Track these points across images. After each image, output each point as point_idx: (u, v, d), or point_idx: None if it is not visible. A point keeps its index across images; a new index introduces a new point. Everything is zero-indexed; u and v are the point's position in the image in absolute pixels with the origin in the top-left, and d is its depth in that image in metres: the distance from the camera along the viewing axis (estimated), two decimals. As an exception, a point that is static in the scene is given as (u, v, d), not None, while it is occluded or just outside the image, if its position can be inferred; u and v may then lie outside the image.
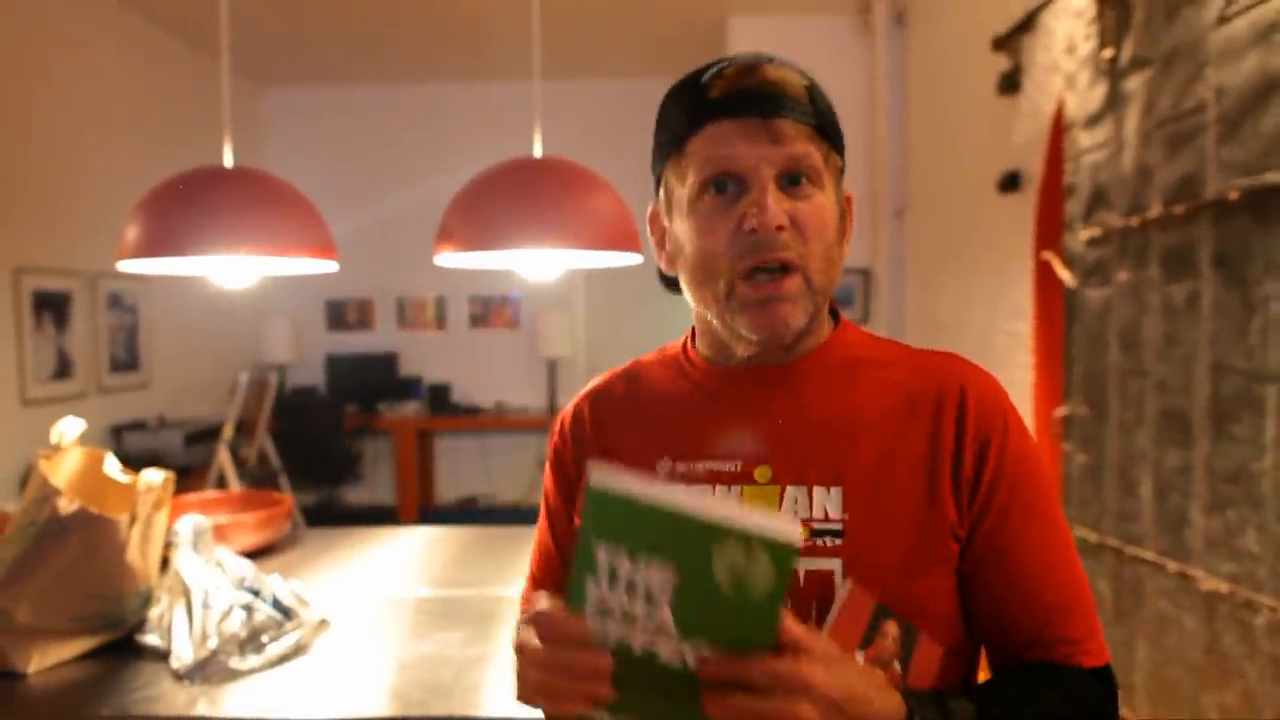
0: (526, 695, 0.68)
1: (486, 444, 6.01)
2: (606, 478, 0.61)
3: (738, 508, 0.63)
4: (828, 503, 0.78)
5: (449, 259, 1.75)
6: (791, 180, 0.78)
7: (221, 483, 4.08)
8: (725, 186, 0.78)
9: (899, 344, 0.90)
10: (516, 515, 5.89)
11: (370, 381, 5.83)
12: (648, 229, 0.91)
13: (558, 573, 0.95)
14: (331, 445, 5.27)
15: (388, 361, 5.92)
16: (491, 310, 6.03)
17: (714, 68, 0.81)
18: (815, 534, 0.78)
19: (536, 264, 1.85)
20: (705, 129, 0.79)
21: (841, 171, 0.85)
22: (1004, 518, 0.80)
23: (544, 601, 0.66)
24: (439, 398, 5.84)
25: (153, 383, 4.56)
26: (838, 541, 0.78)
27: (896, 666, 0.72)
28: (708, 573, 0.60)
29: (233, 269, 1.77)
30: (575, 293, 5.88)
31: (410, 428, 5.59)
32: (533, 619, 0.66)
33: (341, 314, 6.05)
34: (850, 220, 0.86)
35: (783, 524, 0.60)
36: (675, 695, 0.63)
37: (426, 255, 6.06)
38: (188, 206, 1.55)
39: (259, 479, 4.55)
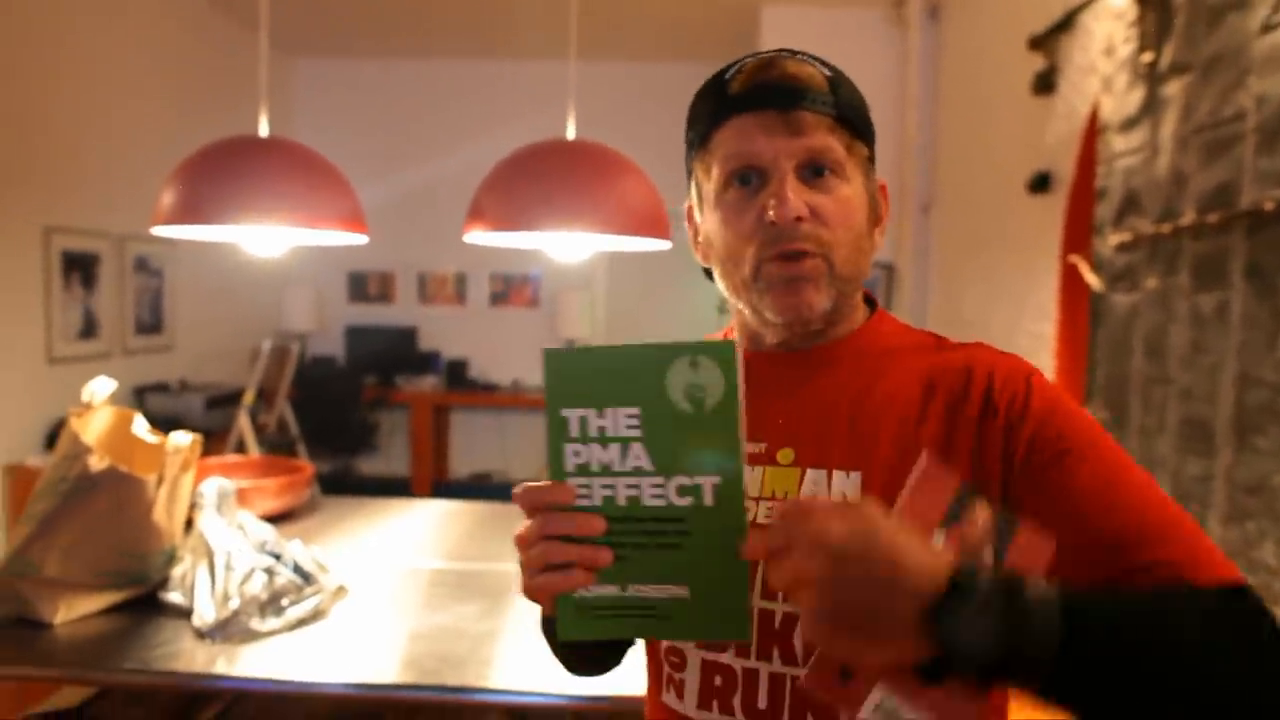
0: (529, 580, 0.68)
1: (502, 421, 6.04)
2: (558, 349, 0.66)
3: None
4: (846, 487, 0.78)
5: (479, 237, 1.76)
6: (815, 172, 0.79)
7: (241, 448, 4.13)
8: (748, 179, 0.80)
9: (933, 334, 0.89)
10: (528, 493, 5.91)
11: (389, 354, 5.87)
12: (685, 224, 0.93)
13: None
14: (349, 415, 5.32)
15: (407, 335, 5.96)
16: (512, 288, 6.05)
17: (736, 64, 0.83)
18: None
19: (565, 245, 1.86)
20: (727, 124, 0.81)
21: (871, 160, 0.85)
22: (1050, 458, 0.74)
23: (527, 483, 0.69)
24: (456, 373, 5.87)
25: (176, 346, 4.61)
26: None
27: (986, 557, 0.64)
28: (665, 399, 0.64)
29: (264, 238, 1.79)
30: (596, 274, 5.88)
31: (427, 401, 5.63)
32: (519, 494, 0.68)
33: (363, 286, 6.08)
34: (886, 209, 0.88)
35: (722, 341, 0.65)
36: (665, 541, 0.66)
37: (449, 231, 6.05)
38: (224, 175, 1.57)
39: (277, 445, 4.60)
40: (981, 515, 0.64)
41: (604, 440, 0.66)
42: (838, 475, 0.79)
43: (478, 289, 6.06)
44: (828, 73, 0.81)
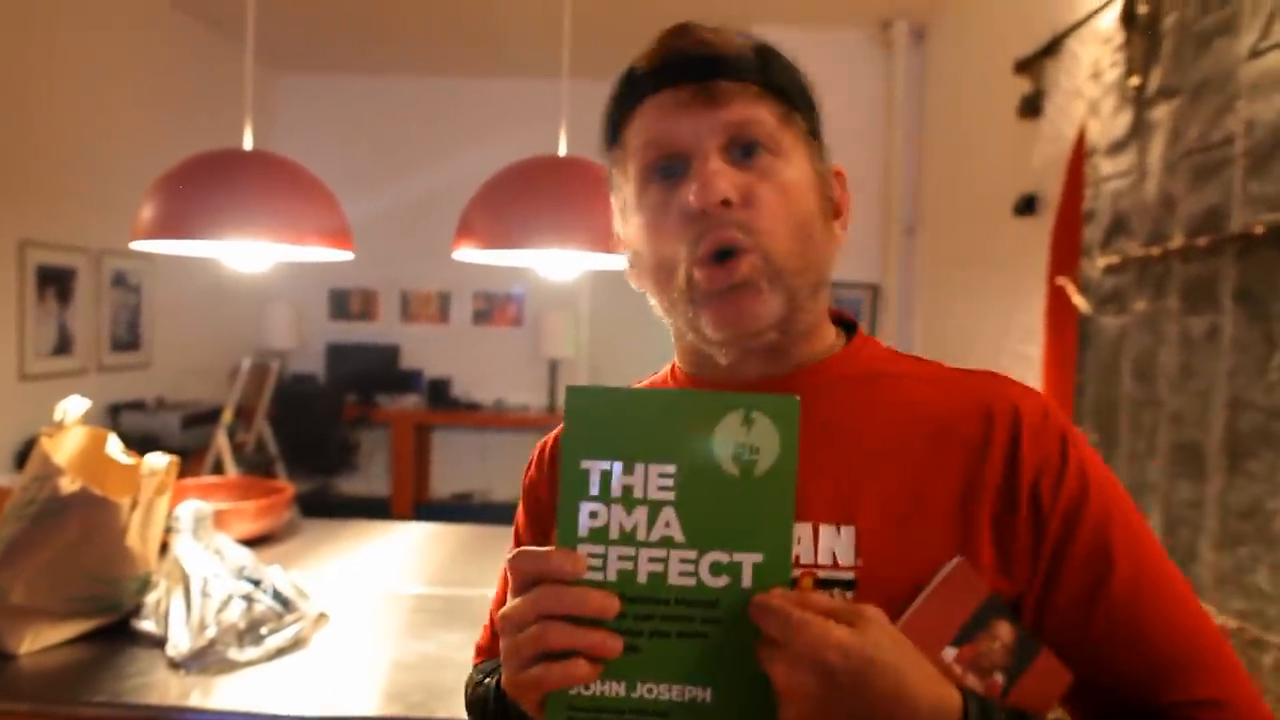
0: (513, 671, 0.56)
1: (484, 440, 5.98)
2: (585, 386, 0.57)
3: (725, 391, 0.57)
4: (836, 545, 0.64)
5: (469, 254, 1.73)
6: (744, 151, 0.67)
7: (218, 467, 4.05)
8: (670, 170, 0.67)
9: (929, 361, 0.75)
10: (510, 513, 5.83)
11: (371, 372, 5.80)
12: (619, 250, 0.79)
13: None
14: (329, 434, 5.24)
15: (389, 353, 5.90)
16: (495, 307, 6.01)
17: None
18: (821, 584, 0.64)
19: (555, 263, 1.84)
20: (637, 110, 0.69)
21: (815, 136, 0.72)
22: (1090, 562, 0.64)
23: (526, 547, 0.57)
24: (439, 392, 5.81)
25: (153, 363, 4.53)
26: (849, 594, 0.63)
27: (998, 678, 0.61)
28: (709, 458, 0.55)
29: (247, 253, 1.75)
30: (580, 293, 5.86)
31: (409, 420, 5.56)
32: (515, 560, 0.56)
33: (345, 303, 6.02)
34: (846, 199, 0.74)
35: (779, 395, 0.56)
36: (690, 630, 0.56)
37: (432, 248, 5.99)
38: (207, 188, 1.53)
39: (255, 465, 4.52)
40: (1004, 634, 0.60)
41: (629, 502, 0.55)
42: (825, 531, 0.65)
43: (461, 307, 6.01)
44: (751, 42, 0.70)
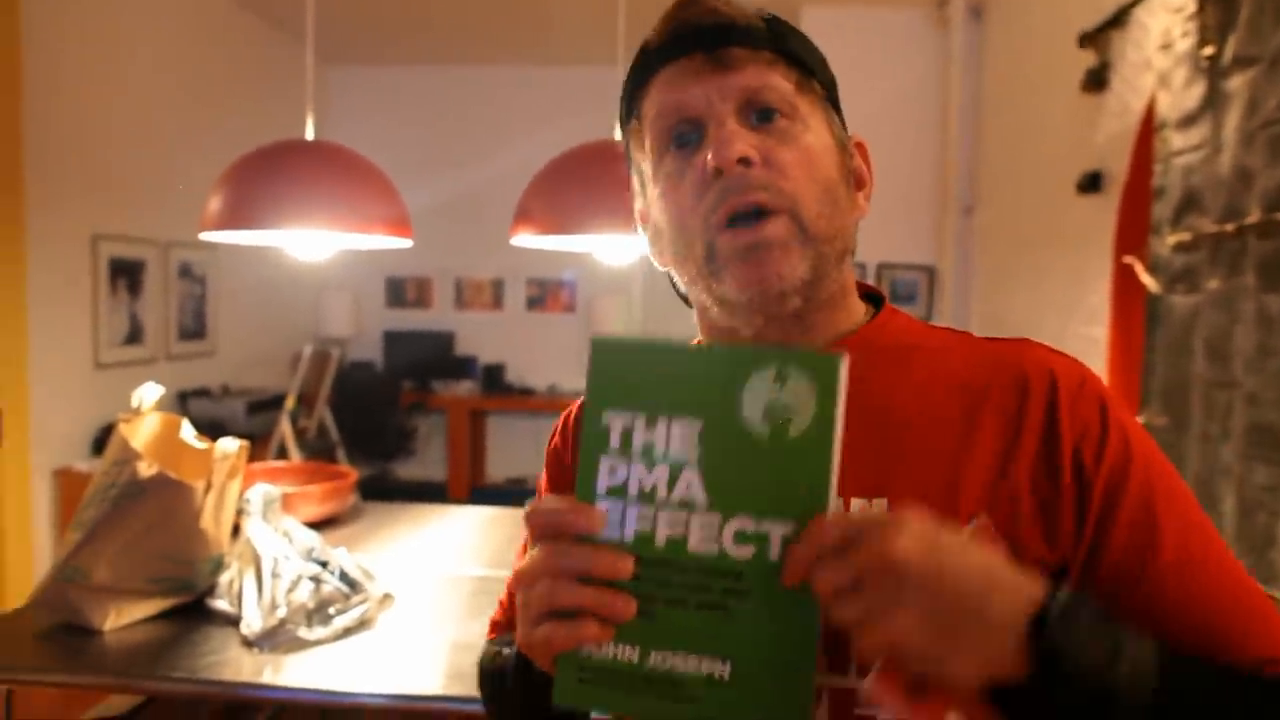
0: (525, 630, 0.54)
1: (538, 425, 6.04)
2: (610, 335, 0.56)
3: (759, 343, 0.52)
4: None
5: (526, 240, 1.75)
6: (761, 116, 0.66)
7: (282, 453, 4.15)
8: (684, 138, 0.67)
9: (960, 332, 0.73)
10: (564, 499, 5.90)
11: (426, 359, 5.89)
12: (640, 229, 0.77)
13: None
14: (386, 420, 5.34)
15: (444, 340, 5.98)
16: (548, 293, 6.05)
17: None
18: None
19: (611, 248, 1.84)
20: (651, 83, 0.69)
21: (832, 103, 0.71)
22: (1138, 532, 0.62)
23: (544, 501, 0.54)
24: (493, 378, 5.88)
25: (218, 351, 4.65)
26: None
27: None
28: (736, 417, 0.50)
29: (311, 242, 1.78)
30: (633, 279, 5.86)
31: (464, 406, 5.64)
32: (531, 513, 0.54)
33: (401, 291, 6.11)
34: (870, 173, 0.73)
35: (823, 350, 0.49)
36: (709, 600, 0.52)
37: (485, 236, 6.03)
38: (273, 179, 1.56)
39: (318, 450, 4.63)
40: None
41: (650, 458, 0.52)
42: (856, 504, 0.63)
43: (514, 294, 6.06)
44: (762, 13, 0.69)
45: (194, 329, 4.45)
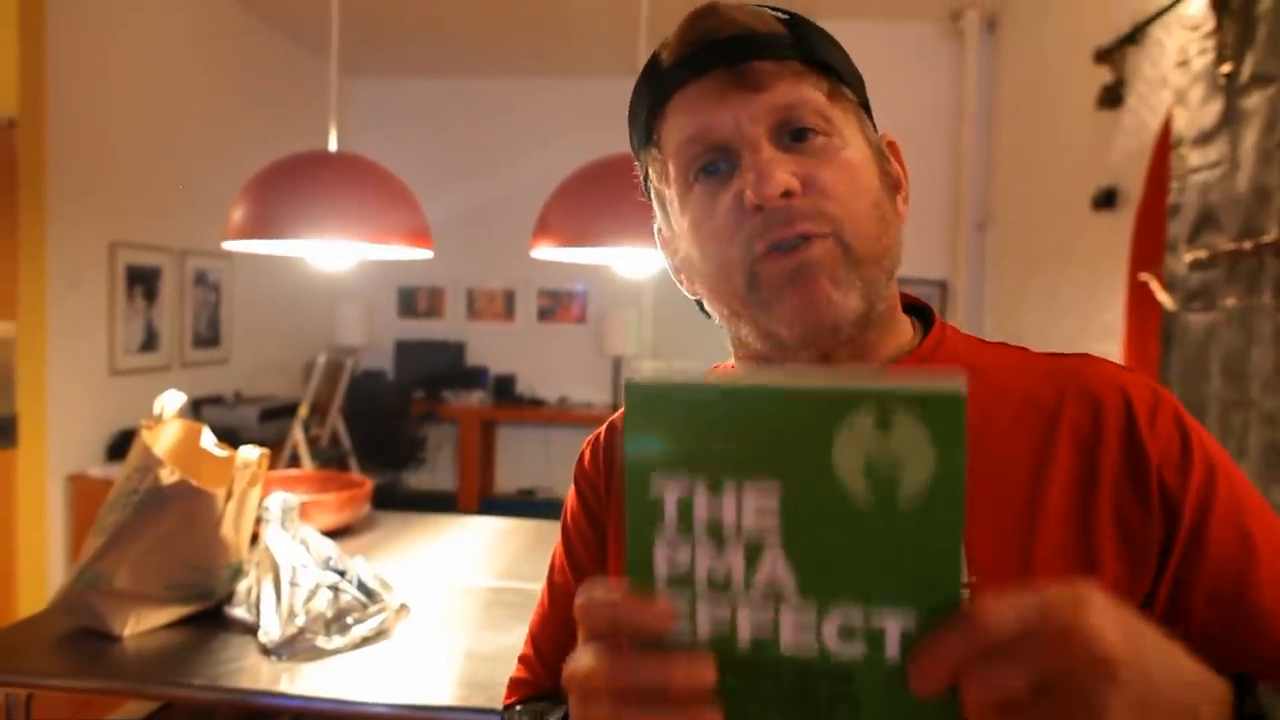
0: None
1: (548, 436, 6.05)
2: (650, 376, 0.40)
3: (849, 373, 0.40)
4: None
5: (547, 253, 1.76)
6: (795, 136, 0.61)
7: (294, 461, 4.16)
8: (713, 166, 0.62)
9: (1016, 347, 0.68)
10: (573, 510, 5.90)
11: (437, 369, 5.91)
12: (663, 256, 0.72)
13: (572, 627, 0.70)
14: (397, 429, 5.36)
15: (455, 350, 6.00)
16: (559, 304, 6.06)
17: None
18: None
19: (632, 261, 1.85)
20: (669, 105, 0.63)
21: (865, 109, 0.66)
22: (1231, 549, 0.57)
23: (597, 589, 0.43)
24: (503, 388, 5.89)
25: (231, 359, 4.68)
26: None
27: None
28: (828, 476, 0.38)
29: (333, 252, 1.80)
30: (644, 291, 5.87)
31: (474, 416, 5.65)
32: (582, 604, 0.43)
33: (413, 301, 6.14)
34: (903, 170, 0.68)
35: (933, 376, 0.38)
36: (808, 713, 0.41)
37: (497, 247, 6.02)
38: (296, 189, 1.58)
39: (330, 459, 4.64)
40: None
41: (719, 537, 0.41)
42: None
43: (526, 305, 6.08)
44: (783, 15, 0.63)
45: (208, 337, 4.48)
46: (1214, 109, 2.33)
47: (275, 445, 4.32)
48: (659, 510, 0.41)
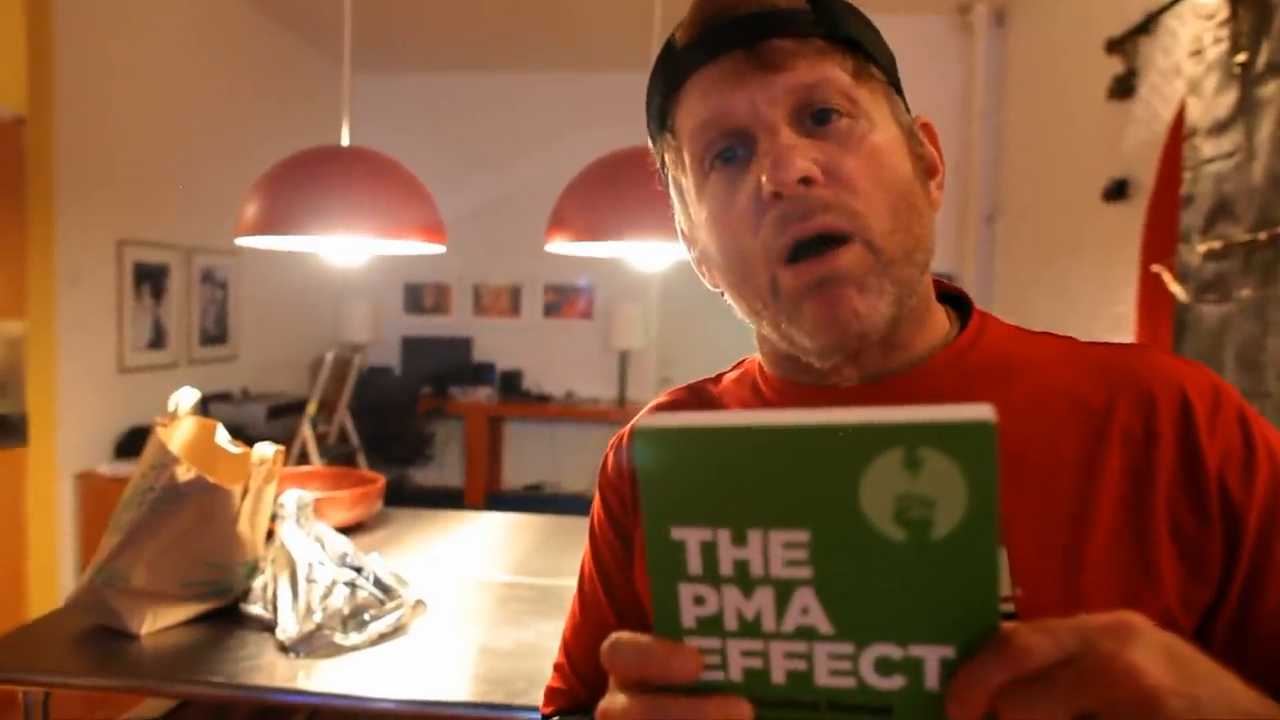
0: None
1: (555, 432, 6.04)
2: (657, 420, 0.38)
3: (871, 410, 0.37)
4: None
5: (561, 247, 1.75)
6: (817, 119, 0.57)
7: (303, 458, 4.17)
8: (730, 153, 0.58)
9: (1062, 337, 0.64)
10: (581, 504, 5.90)
11: (444, 365, 5.91)
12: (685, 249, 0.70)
13: (604, 636, 0.72)
14: (404, 425, 5.36)
15: (462, 346, 6.00)
16: (565, 300, 6.06)
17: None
18: None
19: (648, 255, 1.84)
20: (684, 89, 0.60)
21: (896, 88, 0.62)
22: None
23: (624, 638, 0.43)
24: (510, 384, 5.89)
25: (239, 356, 4.68)
26: None
27: None
28: (857, 518, 0.37)
29: (346, 248, 1.79)
30: (650, 285, 5.86)
31: (481, 412, 5.65)
32: (610, 651, 0.42)
33: (419, 297, 6.14)
34: (938, 153, 0.64)
35: (959, 407, 0.36)
36: None
37: (504, 243, 6.01)
38: (310, 185, 1.57)
39: (338, 456, 4.64)
40: None
41: (746, 582, 0.39)
42: None
43: (532, 300, 6.08)
44: None
45: (215, 334, 4.48)
46: (1229, 99, 2.32)
47: (283, 442, 4.31)
48: (682, 557, 0.40)
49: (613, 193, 1.63)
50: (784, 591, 0.39)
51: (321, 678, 1.40)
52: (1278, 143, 2.10)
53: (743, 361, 0.74)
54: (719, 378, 0.74)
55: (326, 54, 5.47)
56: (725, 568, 0.39)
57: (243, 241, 1.70)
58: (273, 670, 1.42)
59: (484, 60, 5.71)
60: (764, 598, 0.39)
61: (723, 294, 0.66)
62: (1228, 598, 0.54)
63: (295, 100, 5.17)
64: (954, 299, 0.68)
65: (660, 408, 0.74)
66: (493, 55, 5.61)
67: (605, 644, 0.43)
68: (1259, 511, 0.54)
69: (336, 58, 5.51)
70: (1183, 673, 0.38)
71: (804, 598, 0.39)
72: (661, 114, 0.63)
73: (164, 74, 4.02)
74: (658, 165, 0.68)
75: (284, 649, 1.46)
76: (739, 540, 0.39)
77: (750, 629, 0.40)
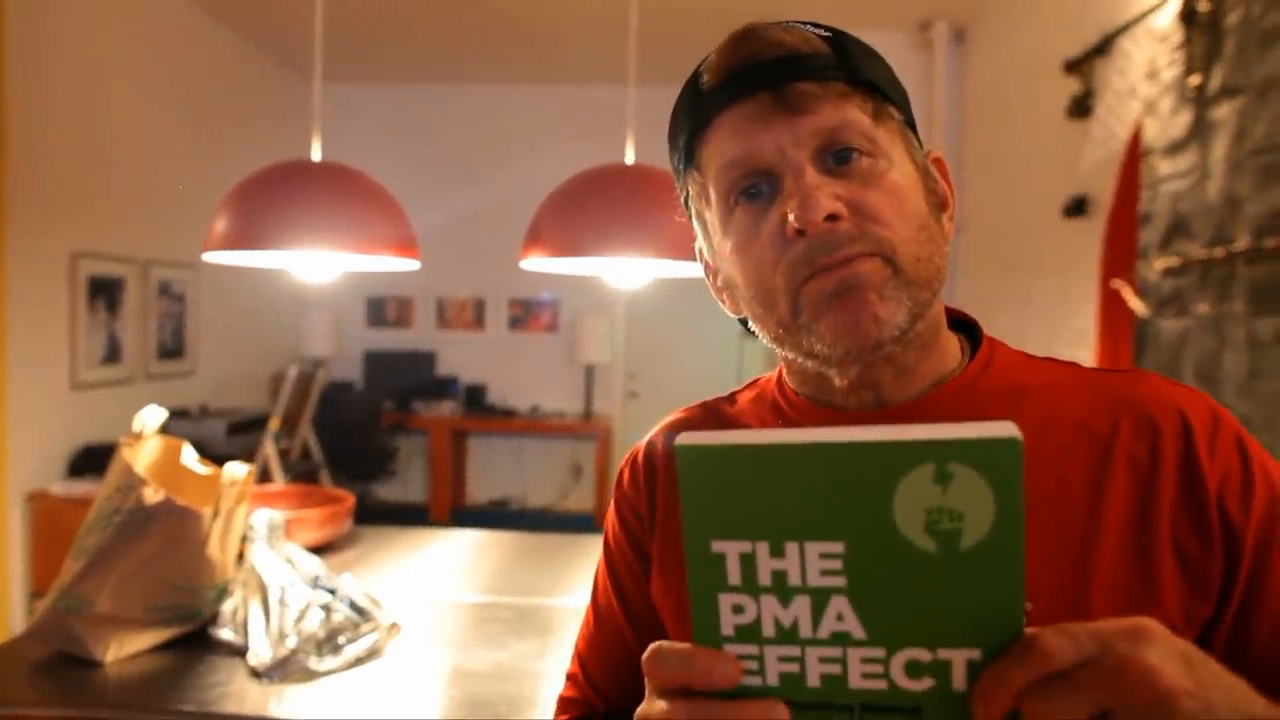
0: None
1: (521, 446, 6.00)
2: (699, 439, 0.41)
3: (902, 428, 0.40)
4: None
5: (538, 263, 1.74)
6: (839, 158, 0.60)
7: (266, 475, 4.09)
8: (755, 190, 0.61)
9: (1067, 363, 0.67)
10: (546, 519, 5.86)
11: (407, 379, 5.84)
12: (705, 276, 0.74)
13: (619, 648, 0.77)
14: (368, 441, 5.28)
15: (425, 360, 5.93)
16: (530, 313, 6.03)
17: (709, 55, 0.64)
18: None
19: (624, 271, 1.84)
20: (711, 128, 0.63)
21: (911, 127, 0.66)
22: None
23: (666, 645, 0.45)
24: (475, 398, 5.84)
25: (197, 371, 4.58)
26: None
27: None
28: (889, 530, 0.40)
29: (317, 263, 1.76)
30: (616, 299, 5.86)
31: (445, 426, 5.59)
32: (652, 659, 0.45)
33: (381, 311, 6.06)
34: (951, 190, 0.67)
35: (985, 425, 0.40)
36: None
37: (468, 256, 5.98)
38: (281, 200, 1.54)
39: (301, 473, 4.56)
40: None
41: (784, 591, 0.42)
42: None
43: (496, 314, 6.04)
44: (825, 33, 0.63)
45: (173, 348, 4.38)
46: (1184, 119, 2.39)
47: (243, 459, 4.23)
48: (720, 569, 0.43)
49: (591, 209, 1.63)
50: (820, 600, 0.42)
51: (295, 703, 1.37)
52: (1232, 163, 2.17)
53: (756, 381, 0.77)
54: (733, 397, 0.77)
55: (289, 64, 5.40)
56: (764, 578, 0.42)
57: (211, 257, 1.66)
58: (244, 697, 1.39)
59: (454, 72, 5.67)
60: (800, 606, 0.42)
61: (743, 321, 0.70)
62: (1226, 613, 0.57)
63: (257, 112, 5.10)
64: (966, 326, 0.72)
65: (674, 426, 0.76)
66: (457, 68, 5.58)
67: (647, 652, 0.45)
68: (1255, 532, 0.57)
69: (304, 69, 5.45)
70: (1196, 675, 0.41)
71: (839, 605, 0.42)
72: (688, 151, 0.66)
73: (119, 86, 3.93)
74: (680, 198, 0.71)
75: (256, 674, 1.43)
76: (777, 552, 0.42)
77: (787, 636, 0.43)
